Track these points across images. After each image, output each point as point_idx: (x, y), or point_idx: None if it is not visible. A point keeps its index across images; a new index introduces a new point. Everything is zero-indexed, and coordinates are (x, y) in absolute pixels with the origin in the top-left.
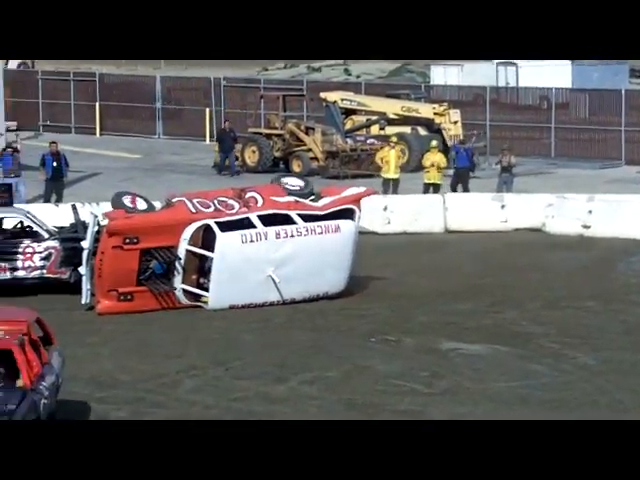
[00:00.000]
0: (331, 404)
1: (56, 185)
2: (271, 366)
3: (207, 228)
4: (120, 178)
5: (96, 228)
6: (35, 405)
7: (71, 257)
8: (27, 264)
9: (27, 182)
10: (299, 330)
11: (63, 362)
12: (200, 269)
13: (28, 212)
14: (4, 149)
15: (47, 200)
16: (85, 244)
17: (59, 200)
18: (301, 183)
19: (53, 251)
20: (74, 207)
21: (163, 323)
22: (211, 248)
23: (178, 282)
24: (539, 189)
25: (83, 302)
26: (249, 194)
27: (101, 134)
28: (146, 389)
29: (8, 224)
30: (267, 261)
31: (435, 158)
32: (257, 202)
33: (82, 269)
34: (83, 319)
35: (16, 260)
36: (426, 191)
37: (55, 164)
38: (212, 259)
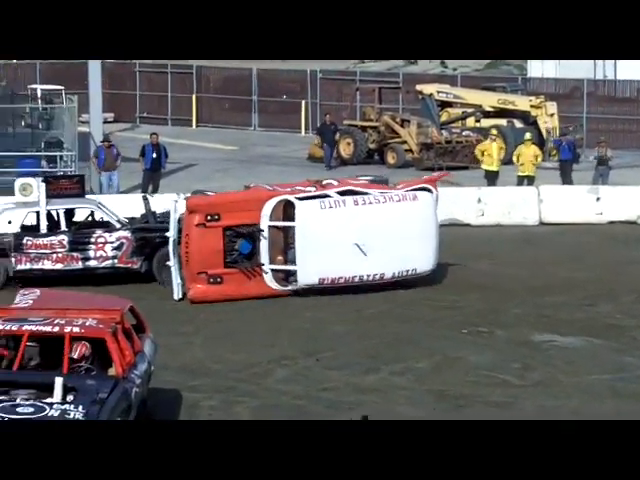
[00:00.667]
0: (421, 395)
1: (154, 176)
2: (362, 357)
3: (287, 204)
4: (215, 169)
5: (177, 215)
6: (127, 393)
7: (142, 247)
8: (99, 254)
9: (122, 174)
10: (390, 321)
11: (155, 350)
12: (285, 249)
13: (100, 203)
14: (102, 141)
15: (144, 190)
16: (170, 233)
17: (155, 191)
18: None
19: (125, 241)
20: (145, 197)
21: (256, 313)
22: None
23: (265, 260)
24: (635, 182)
25: (175, 298)
26: (325, 182)
27: (197, 126)
28: (237, 378)
29: (81, 215)
30: (348, 229)
31: (529, 151)
32: (333, 184)
33: (170, 262)
34: (176, 308)
35: (88, 250)
36: (520, 184)
37: (155, 155)
38: (294, 232)
